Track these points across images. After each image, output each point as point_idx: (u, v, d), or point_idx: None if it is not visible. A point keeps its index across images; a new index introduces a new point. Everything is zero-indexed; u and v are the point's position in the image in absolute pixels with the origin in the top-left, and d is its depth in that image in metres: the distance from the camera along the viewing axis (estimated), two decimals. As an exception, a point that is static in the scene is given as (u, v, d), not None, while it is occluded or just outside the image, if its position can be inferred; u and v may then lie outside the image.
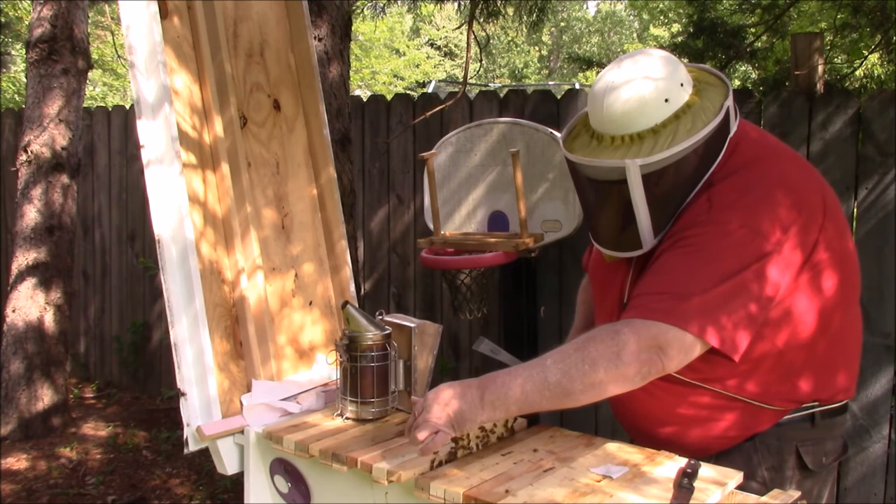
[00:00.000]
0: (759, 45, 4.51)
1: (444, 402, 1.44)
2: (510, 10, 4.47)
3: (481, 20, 4.24)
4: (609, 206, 1.64)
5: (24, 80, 4.61)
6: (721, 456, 1.61)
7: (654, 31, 17.58)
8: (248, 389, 1.89)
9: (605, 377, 1.42)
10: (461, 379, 1.51)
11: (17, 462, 3.91)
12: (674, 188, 1.56)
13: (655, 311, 1.45)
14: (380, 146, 4.10)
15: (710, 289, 1.45)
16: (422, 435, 1.43)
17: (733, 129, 1.59)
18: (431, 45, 20.89)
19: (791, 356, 1.55)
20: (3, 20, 8.45)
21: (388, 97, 4.25)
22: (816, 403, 1.61)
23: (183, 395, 1.76)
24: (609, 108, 1.56)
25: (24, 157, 4.24)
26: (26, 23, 8.15)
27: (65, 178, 4.31)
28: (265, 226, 2.05)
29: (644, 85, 1.54)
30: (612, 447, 1.59)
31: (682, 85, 1.56)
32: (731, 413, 1.59)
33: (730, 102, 1.56)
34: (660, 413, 1.64)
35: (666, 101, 1.54)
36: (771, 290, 1.47)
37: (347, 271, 2.20)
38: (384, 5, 5.23)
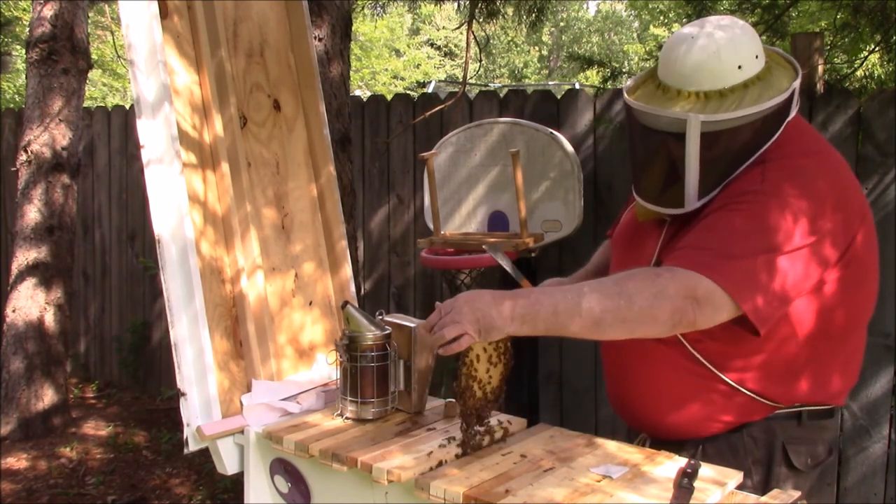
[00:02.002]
0: (759, 44, 4.49)
1: (475, 307, 1.43)
2: (510, 10, 4.46)
3: (481, 20, 4.24)
4: (660, 159, 1.65)
5: (25, 79, 4.60)
6: (708, 443, 1.63)
7: (653, 30, 17.57)
8: (248, 389, 1.89)
9: (637, 315, 1.41)
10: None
11: (18, 462, 3.91)
12: (727, 154, 1.57)
13: (698, 264, 1.45)
14: (380, 146, 4.10)
15: (755, 255, 1.45)
16: (450, 333, 1.41)
17: (793, 112, 1.61)
18: (431, 45, 20.89)
19: (792, 349, 1.56)
20: (2, 20, 8.44)
21: (388, 97, 4.25)
22: (809, 404, 1.62)
23: (183, 394, 1.76)
24: (682, 62, 1.58)
25: (24, 157, 4.24)
26: (26, 23, 8.15)
27: (65, 178, 4.31)
28: (265, 225, 2.05)
29: (721, 47, 1.56)
30: (612, 447, 1.59)
31: (756, 57, 1.58)
32: (728, 396, 1.60)
33: (797, 85, 1.59)
34: (660, 386, 1.64)
35: (739, 67, 1.56)
36: (807, 277, 1.48)
37: (347, 271, 2.20)
38: (384, 4, 5.22)
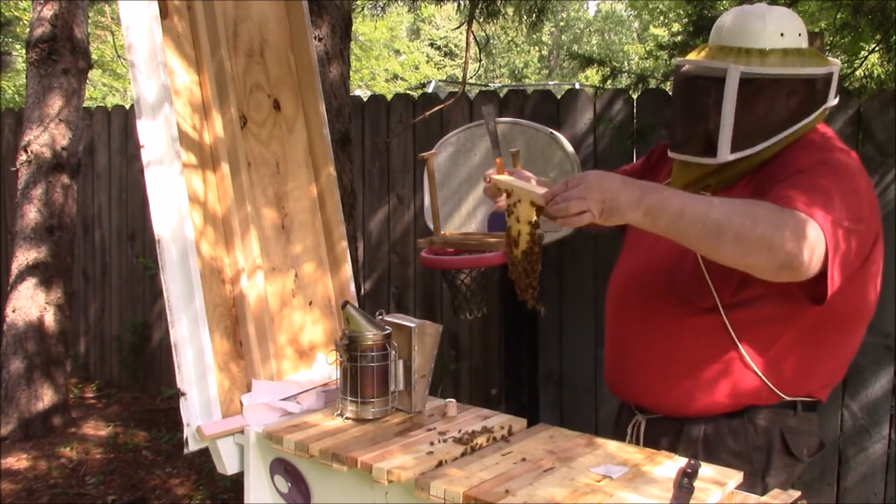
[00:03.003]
0: (759, 44, 4.48)
1: (605, 187, 1.41)
2: (510, 10, 4.47)
3: (481, 20, 4.24)
4: (698, 110, 1.69)
5: (25, 79, 4.61)
6: (709, 426, 1.66)
7: (653, 30, 17.57)
8: (249, 389, 1.89)
9: (758, 239, 1.40)
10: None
11: (18, 462, 3.91)
12: (762, 113, 1.62)
13: (811, 207, 1.44)
14: (380, 146, 4.10)
15: (837, 221, 1.46)
16: (575, 207, 1.40)
17: (831, 100, 1.66)
18: (431, 45, 20.88)
19: (802, 337, 1.61)
20: (2, 20, 8.44)
21: (388, 97, 4.25)
22: (802, 396, 1.67)
23: (183, 395, 1.76)
24: (730, 22, 1.68)
25: (24, 157, 4.24)
26: (25, 22, 8.15)
27: (65, 178, 4.31)
28: (265, 226, 2.05)
29: (767, 13, 1.65)
30: (612, 447, 1.59)
31: (799, 35, 1.66)
32: (739, 373, 1.63)
33: (836, 71, 1.65)
34: (676, 352, 1.66)
35: (781, 35, 1.63)
36: (859, 256, 1.52)
37: (347, 271, 2.20)
38: (384, 5, 5.22)
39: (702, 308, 1.62)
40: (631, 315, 1.75)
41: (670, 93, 3.08)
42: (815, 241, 1.41)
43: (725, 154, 1.62)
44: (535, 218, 1.53)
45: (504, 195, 1.64)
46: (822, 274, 1.45)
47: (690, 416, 1.67)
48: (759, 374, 1.61)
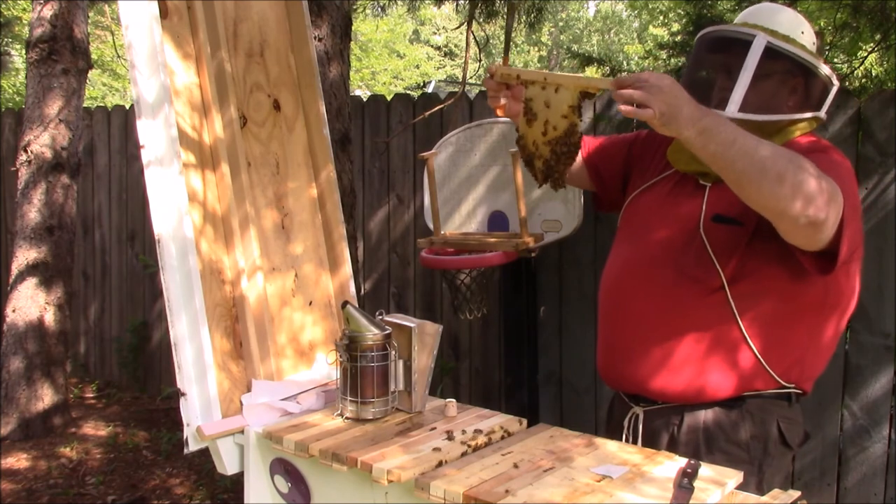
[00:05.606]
0: (759, 44, 4.48)
1: (675, 94, 1.44)
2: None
3: (481, 20, 4.24)
4: (718, 67, 1.77)
5: (25, 79, 4.61)
6: (707, 413, 1.70)
7: (653, 30, 17.56)
8: (249, 389, 1.89)
9: (796, 184, 1.44)
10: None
11: (18, 462, 3.91)
12: (768, 91, 1.70)
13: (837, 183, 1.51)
14: (380, 146, 4.10)
15: (853, 202, 1.54)
16: (640, 98, 1.42)
17: (822, 113, 1.76)
18: (431, 45, 20.87)
19: (794, 321, 1.66)
20: (2, 20, 8.44)
21: (388, 97, 4.25)
22: (793, 385, 1.72)
23: (183, 394, 1.76)
24: (760, 8, 1.79)
25: (24, 157, 4.24)
26: (26, 22, 8.15)
27: (65, 178, 4.31)
28: (265, 226, 2.05)
29: (794, 13, 1.78)
30: (612, 447, 1.59)
31: (813, 43, 1.77)
32: (737, 352, 1.66)
33: (835, 87, 1.76)
34: (693, 341, 1.68)
35: (802, 33, 1.74)
36: (860, 244, 1.61)
37: (347, 271, 2.20)
38: (384, 5, 5.22)
39: (710, 287, 1.66)
40: (634, 301, 1.77)
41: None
42: (839, 209, 1.47)
43: (733, 109, 1.67)
44: (575, 104, 1.58)
45: (504, 90, 1.70)
46: (826, 251, 1.53)
47: (694, 401, 1.70)
48: (758, 354, 1.65)
